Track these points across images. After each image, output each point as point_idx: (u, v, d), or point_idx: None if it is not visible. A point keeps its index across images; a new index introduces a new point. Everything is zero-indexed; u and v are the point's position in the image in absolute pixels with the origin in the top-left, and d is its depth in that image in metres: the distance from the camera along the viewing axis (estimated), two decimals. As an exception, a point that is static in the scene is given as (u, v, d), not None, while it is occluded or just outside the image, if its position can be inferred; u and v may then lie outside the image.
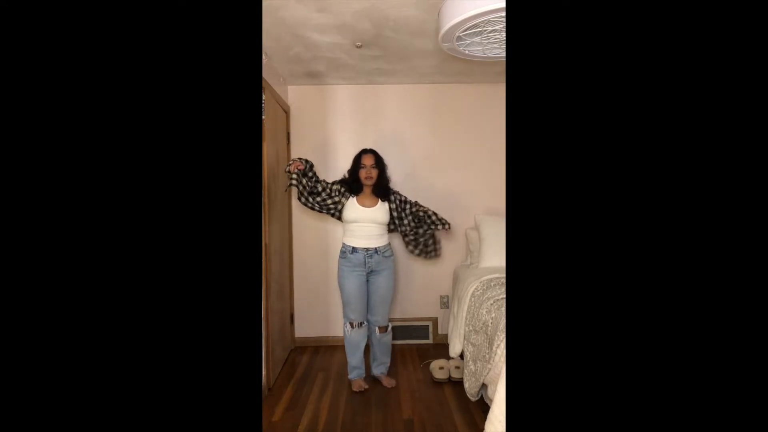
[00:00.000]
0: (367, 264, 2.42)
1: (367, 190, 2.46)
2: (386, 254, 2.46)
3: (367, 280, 2.47)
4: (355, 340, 2.49)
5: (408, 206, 2.52)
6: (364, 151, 2.47)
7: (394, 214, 2.49)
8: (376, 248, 2.42)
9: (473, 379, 2.10)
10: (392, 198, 2.50)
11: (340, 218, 2.44)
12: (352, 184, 2.44)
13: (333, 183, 2.46)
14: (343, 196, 2.42)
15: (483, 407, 2.21)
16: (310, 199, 2.38)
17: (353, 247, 2.41)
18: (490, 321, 1.99)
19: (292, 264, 3.19)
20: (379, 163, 2.45)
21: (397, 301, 3.20)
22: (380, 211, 2.43)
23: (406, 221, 2.51)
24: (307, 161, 2.36)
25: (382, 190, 2.46)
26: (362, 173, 2.41)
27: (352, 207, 2.41)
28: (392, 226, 2.51)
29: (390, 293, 2.51)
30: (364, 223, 2.40)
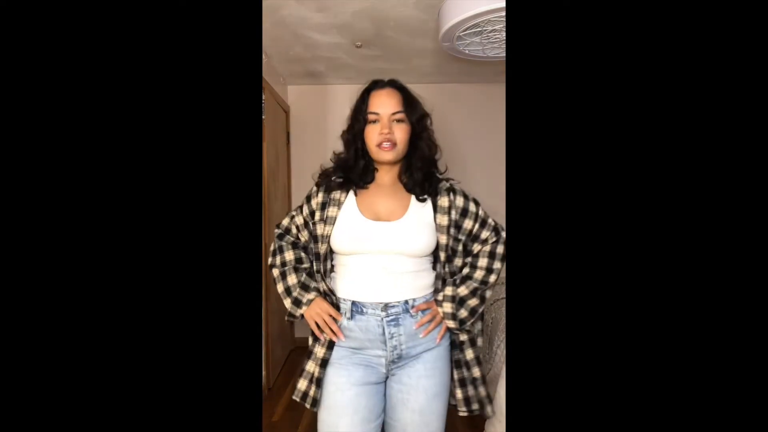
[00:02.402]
0: (387, 339, 1.02)
1: (384, 176, 1.10)
2: (425, 314, 1.04)
3: (387, 381, 1.06)
4: None
5: (471, 238, 1.11)
6: (377, 86, 1.09)
7: (445, 240, 1.05)
8: (406, 300, 1.02)
9: (473, 379, 2.10)
10: (445, 197, 1.08)
11: (324, 252, 1.07)
12: (352, 167, 1.09)
13: (302, 206, 1.14)
14: (329, 207, 1.07)
15: (483, 407, 2.20)
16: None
17: (355, 303, 1.03)
18: (490, 321, 1.99)
19: (292, 264, 3.18)
20: (412, 109, 1.08)
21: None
22: (415, 222, 1.04)
23: (458, 261, 1.09)
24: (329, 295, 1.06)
25: (422, 173, 1.09)
26: (373, 132, 1.05)
27: (349, 218, 1.04)
28: (443, 258, 1.06)
29: (440, 405, 1.04)
30: (377, 253, 1.02)
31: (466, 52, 1.99)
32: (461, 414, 1.07)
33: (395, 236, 1.03)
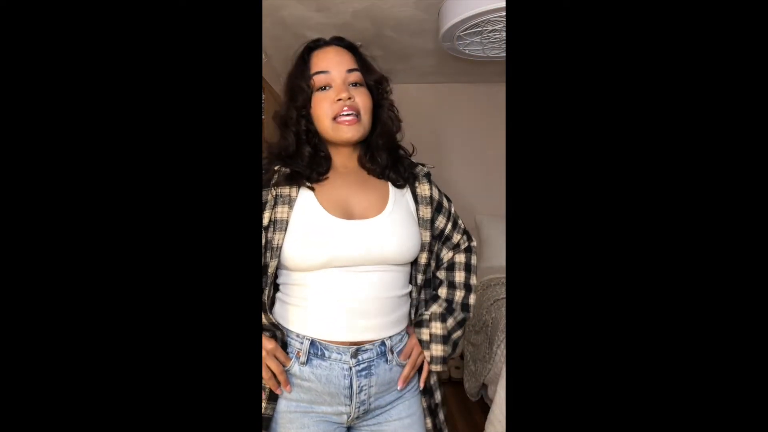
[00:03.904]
0: (354, 394, 0.77)
1: (345, 161, 0.85)
2: (400, 350, 0.83)
3: None
4: None
5: (448, 240, 0.92)
6: (319, 43, 0.85)
7: (428, 237, 0.84)
8: (382, 341, 0.79)
9: (473, 379, 2.10)
10: (425, 184, 0.89)
11: (270, 266, 0.77)
12: (293, 157, 0.81)
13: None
14: (276, 206, 0.77)
15: (483, 407, 2.21)
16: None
17: (314, 343, 0.76)
18: (490, 321, 1.99)
19: (292, 264, 3.17)
20: (369, 70, 0.85)
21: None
22: (401, 217, 0.82)
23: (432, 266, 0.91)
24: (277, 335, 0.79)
25: (387, 154, 0.86)
26: (325, 102, 0.79)
27: (309, 219, 0.77)
28: (423, 261, 0.84)
29: None
30: (349, 267, 0.76)
31: (466, 52, 1.99)
32: None
33: (379, 238, 0.75)
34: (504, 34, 1.84)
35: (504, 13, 1.66)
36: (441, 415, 0.90)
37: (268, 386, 0.76)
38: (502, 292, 2.17)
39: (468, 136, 3.18)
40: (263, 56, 2.39)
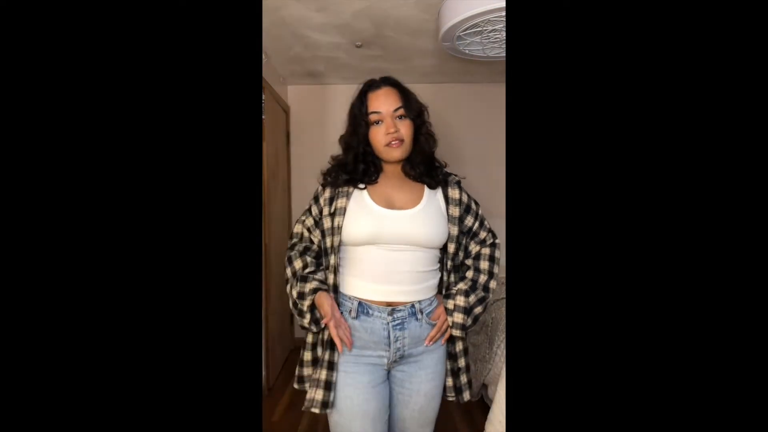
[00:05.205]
0: (391, 342, 1.03)
1: (392, 169, 1.12)
2: (429, 312, 1.07)
3: (389, 378, 1.09)
4: None
5: (472, 235, 1.15)
6: (374, 85, 1.10)
7: (456, 231, 1.08)
8: (412, 304, 1.04)
9: (473, 379, 2.10)
10: (455, 189, 1.13)
11: (332, 246, 1.05)
12: (352, 171, 1.09)
13: (310, 207, 1.13)
14: (338, 198, 1.07)
15: (483, 407, 2.21)
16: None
17: (361, 303, 1.03)
18: (490, 321, 1.99)
19: (292, 264, 3.18)
20: (410, 105, 1.09)
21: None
22: (431, 211, 1.07)
23: (461, 256, 1.13)
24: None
25: (423, 166, 1.12)
26: (378, 134, 1.06)
27: (361, 207, 1.05)
28: (452, 250, 1.09)
29: (437, 403, 1.13)
30: (389, 246, 1.02)
31: (466, 52, 1.99)
32: (449, 399, 1.14)
33: (412, 225, 1.04)
34: (504, 34, 1.84)
35: (504, 13, 1.66)
36: (463, 377, 1.13)
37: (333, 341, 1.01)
38: (502, 292, 2.17)
39: (468, 136, 3.18)
40: (263, 56, 2.39)
